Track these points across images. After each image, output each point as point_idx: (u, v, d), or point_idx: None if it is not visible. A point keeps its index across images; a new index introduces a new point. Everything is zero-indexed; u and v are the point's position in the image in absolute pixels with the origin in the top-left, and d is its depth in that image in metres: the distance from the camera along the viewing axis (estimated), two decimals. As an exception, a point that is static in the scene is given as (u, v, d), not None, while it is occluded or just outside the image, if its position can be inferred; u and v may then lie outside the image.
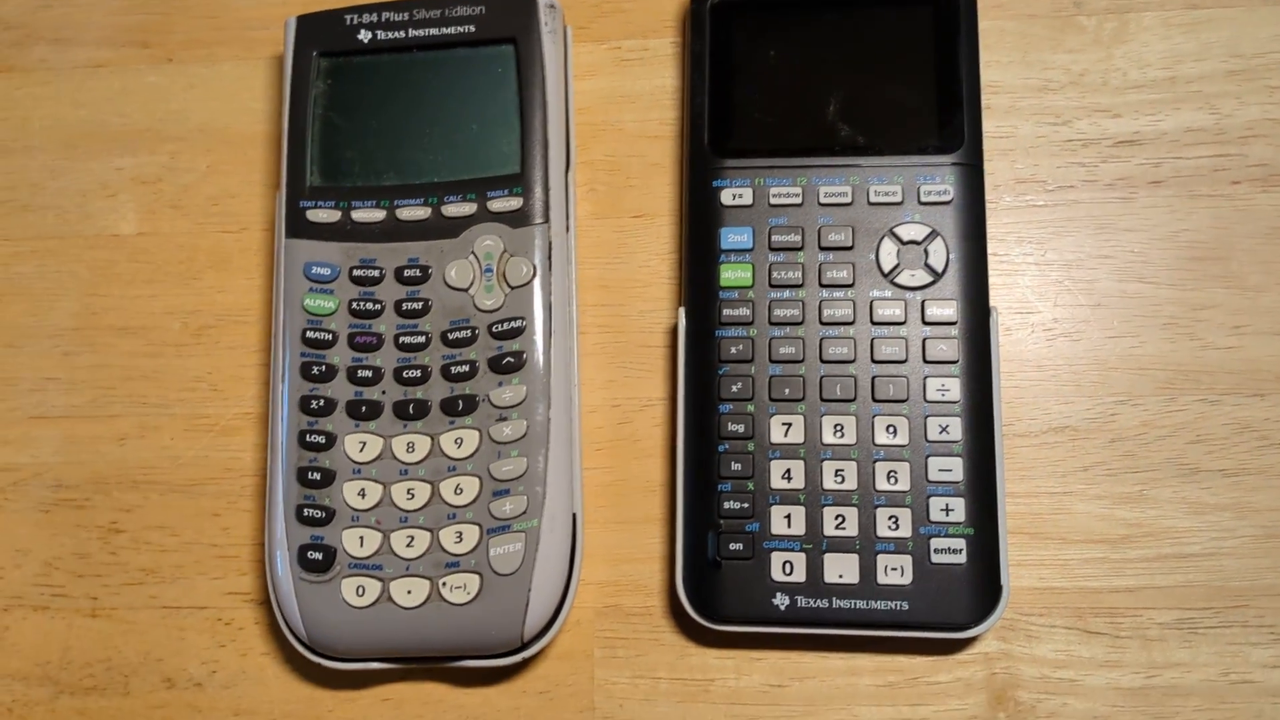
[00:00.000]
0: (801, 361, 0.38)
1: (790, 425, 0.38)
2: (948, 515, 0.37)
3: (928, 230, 0.38)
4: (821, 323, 0.38)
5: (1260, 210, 0.40)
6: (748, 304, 0.39)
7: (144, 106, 0.45)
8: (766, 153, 0.40)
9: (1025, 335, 0.40)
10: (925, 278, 0.38)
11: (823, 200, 0.39)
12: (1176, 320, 0.40)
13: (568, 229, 0.40)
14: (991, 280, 0.39)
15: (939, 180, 0.39)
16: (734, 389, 0.38)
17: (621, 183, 0.43)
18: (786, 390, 0.38)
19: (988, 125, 0.41)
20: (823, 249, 0.39)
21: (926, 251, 0.38)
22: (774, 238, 0.39)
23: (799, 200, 0.39)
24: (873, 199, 0.39)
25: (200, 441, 0.42)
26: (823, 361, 0.38)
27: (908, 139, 0.39)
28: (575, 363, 0.39)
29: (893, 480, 0.37)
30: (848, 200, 0.39)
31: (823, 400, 0.38)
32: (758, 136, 0.40)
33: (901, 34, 0.40)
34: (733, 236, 0.39)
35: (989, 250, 0.39)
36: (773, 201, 0.39)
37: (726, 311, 0.39)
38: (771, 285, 0.39)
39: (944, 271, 0.38)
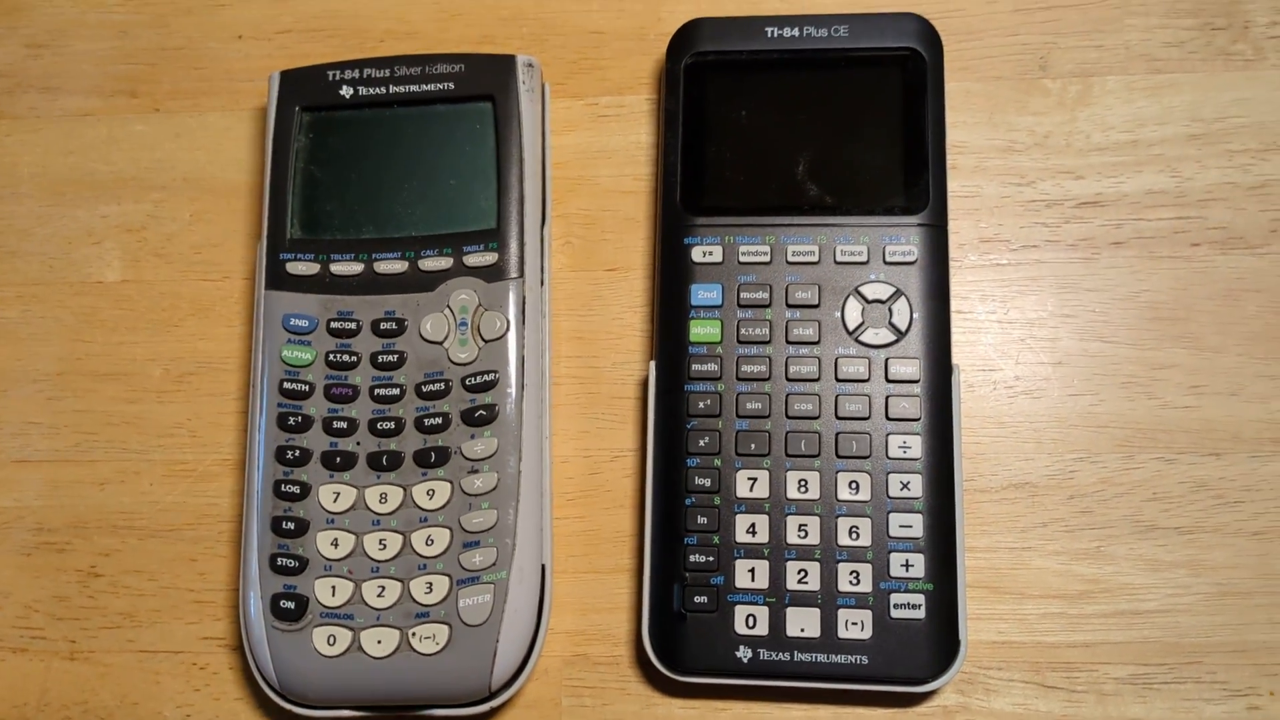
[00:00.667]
0: (767, 417, 0.39)
1: (755, 480, 0.38)
2: (908, 571, 0.37)
3: (892, 289, 0.39)
4: (788, 379, 0.39)
5: (1219, 272, 0.41)
6: (716, 359, 0.39)
7: (130, 155, 0.46)
8: (737, 211, 0.41)
9: (988, 392, 0.41)
10: (889, 336, 0.39)
11: (790, 259, 0.40)
12: (1136, 379, 0.41)
13: (542, 283, 0.41)
14: (955, 337, 0.40)
15: (904, 241, 0.39)
16: (701, 443, 0.39)
17: (596, 236, 0.44)
18: (753, 445, 0.39)
19: (953, 185, 0.42)
20: (790, 306, 0.40)
21: (890, 310, 0.39)
22: (743, 295, 0.40)
23: (767, 258, 0.40)
24: (839, 258, 0.40)
25: (179, 487, 0.43)
26: (788, 417, 0.39)
27: (874, 199, 0.40)
28: (547, 415, 0.40)
29: (854, 536, 0.38)
30: (815, 259, 0.40)
31: (788, 455, 0.39)
32: (728, 195, 0.41)
33: (870, 96, 0.41)
34: (703, 293, 0.40)
35: (953, 308, 0.40)
36: (742, 259, 0.40)
37: (695, 367, 0.39)
38: (740, 341, 0.40)
39: (907, 330, 0.39)
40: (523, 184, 0.41)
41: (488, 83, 0.42)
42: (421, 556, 0.38)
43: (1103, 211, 0.42)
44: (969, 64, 0.43)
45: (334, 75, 0.42)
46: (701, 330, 0.40)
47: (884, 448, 0.38)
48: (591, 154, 0.44)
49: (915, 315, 0.39)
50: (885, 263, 0.39)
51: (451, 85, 0.42)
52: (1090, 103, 0.43)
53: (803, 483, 0.38)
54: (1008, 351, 0.41)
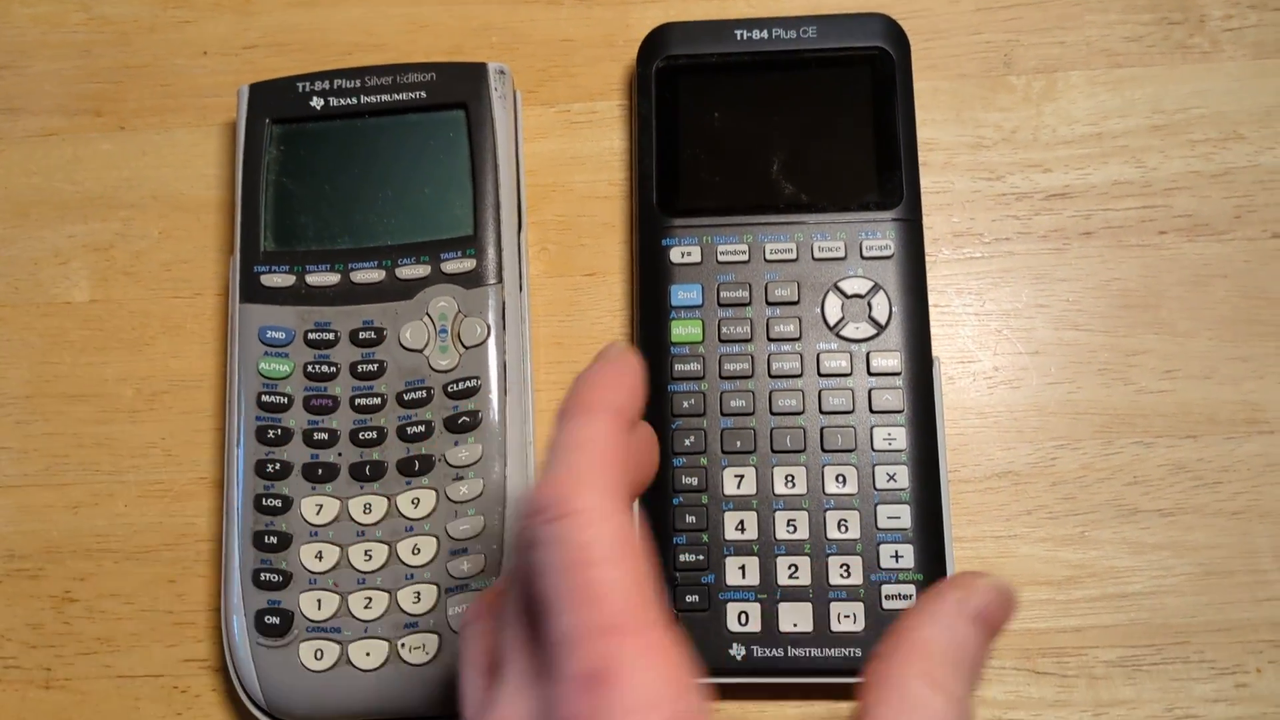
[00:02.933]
0: (752, 414, 0.39)
1: (743, 477, 0.38)
2: (897, 562, 0.37)
3: (870, 284, 0.40)
4: (770, 375, 0.39)
5: (1187, 259, 0.42)
6: (699, 359, 0.40)
7: (96, 174, 0.46)
8: (714, 211, 0.41)
9: (967, 384, 0.41)
10: (869, 330, 0.39)
11: (769, 257, 0.40)
12: (1111, 366, 0.41)
13: (521, 289, 0.41)
14: (933, 331, 0.40)
15: (880, 236, 0.40)
16: (687, 442, 0.39)
17: (573, 241, 0.44)
18: (738, 443, 0.39)
19: (925, 181, 0.42)
20: (769, 304, 0.40)
21: (870, 305, 0.39)
22: (722, 294, 0.40)
23: (746, 257, 0.40)
24: (817, 255, 0.40)
25: (154, 508, 0.42)
26: (772, 414, 0.39)
27: (849, 196, 0.41)
28: (531, 420, 0.40)
29: (843, 529, 0.38)
30: (793, 256, 0.40)
31: (773, 451, 0.39)
32: (705, 196, 0.41)
33: (841, 95, 0.42)
34: (682, 294, 0.40)
35: (930, 302, 0.40)
36: (721, 259, 0.40)
37: (678, 367, 0.39)
38: (721, 340, 0.40)
39: (887, 324, 0.39)
40: (498, 190, 0.41)
41: (460, 91, 0.42)
42: (408, 566, 0.38)
43: (1071, 203, 0.42)
44: (935, 63, 0.44)
45: (304, 87, 0.42)
46: (683, 330, 0.40)
47: (869, 440, 0.38)
48: (565, 161, 0.44)
49: (894, 309, 0.39)
50: (863, 258, 0.40)
51: (423, 94, 0.42)
52: (1054, 98, 0.43)
53: (789, 478, 0.38)
54: (985, 343, 0.42)
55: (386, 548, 0.38)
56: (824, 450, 0.38)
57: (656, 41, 0.43)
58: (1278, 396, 0.40)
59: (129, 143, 0.46)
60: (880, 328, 0.39)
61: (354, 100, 0.42)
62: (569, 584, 0.23)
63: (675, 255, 0.40)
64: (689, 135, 0.42)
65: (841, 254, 0.40)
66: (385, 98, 0.42)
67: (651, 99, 0.42)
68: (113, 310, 0.44)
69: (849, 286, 0.40)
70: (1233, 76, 0.43)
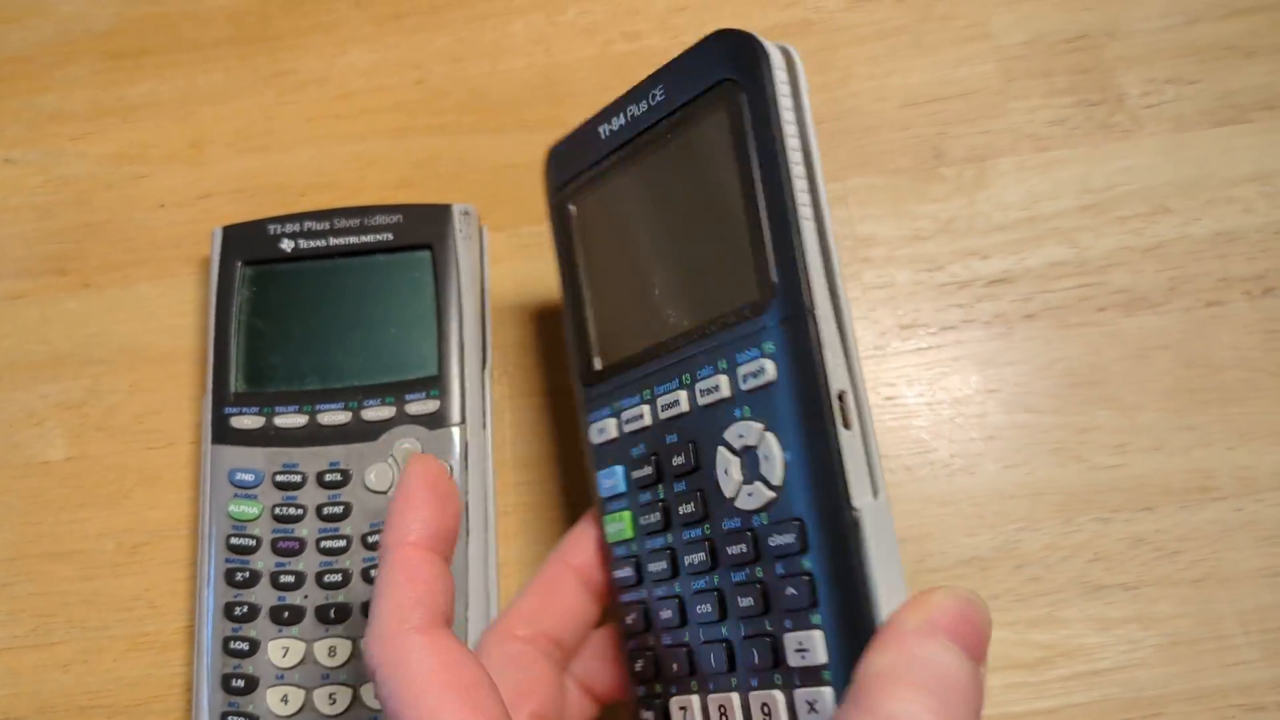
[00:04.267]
0: (684, 626, 0.32)
1: (685, 709, 0.32)
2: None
3: (759, 427, 0.30)
4: (688, 573, 0.31)
5: (1127, 333, 0.43)
6: (632, 561, 0.33)
7: (64, 333, 0.47)
8: (619, 368, 0.34)
9: (927, 473, 0.42)
10: (765, 495, 0.29)
11: (662, 414, 0.32)
12: (1064, 445, 0.42)
13: (485, 425, 0.41)
14: (887, 423, 0.41)
15: (755, 353, 0.30)
16: (637, 667, 0.33)
17: (532, 363, 0.45)
18: (674, 666, 0.32)
19: (869, 276, 0.44)
20: (675, 477, 0.32)
21: (759, 457, 0.30)
22: (634, 474, 0.33)
23: (647, 420, 0.33)
24: (700, 399, 0.31)
25: (143, 660, 0.43)
26: (699, 624, 0.31)
27: (722, 303, 0.31)
28: (493, 559, 0.41)
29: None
30: (684, 408, 0.32)
31: (692, 675, 0.31)
32: (613, 349, 0.35)
33: (699, 162, 0.32)
34: (608, 482, 0.34)
35: (883, 395, 0.41)
36: (626, 428, 0.33)
37: (618, 574, 0.34)
38: (644, 533, 0.33)
39: (783, 481, 0.29)
40: (462, 330, 0.42)
41: (425, 232, 0.43)
42: (372, 710, 0.38)
43: (1012, 287, 0.44)
44: (869, 159, 0.45)
45: (274, 229, 0.43)
46: (615, 527, 0.34)
47: (781, 654, 0.29)
48: (519, 282, 0.46)
49: (789, 457, 0.29)
50: (744, 390, 0.30)
51: (390, 235, 0.43)
52: (986, 185, 0.45)
53: (721, 711, 0.30)
54: (940, 431, 0.43)
55: (350, 691, 0.38)
56: (748, 668, 0.30)
57: (547, 169, 0.38)
58: (1226, 462, 0.41)
59: (94, 300, 0.47)
60: (774, 489, 0.29)
61: (323, 242, 0.43)
62: None
63: (594, 434, 0.35)
64: (589, 274, 0.36)
65: (725, 392, 0.30)
66: (353, 239, 0.43)
67: (555, 238, 0.37)
68: (89, 466, 0.45)
69: (736, 436, 0.30)
70: (1155, 151, 0.44)
